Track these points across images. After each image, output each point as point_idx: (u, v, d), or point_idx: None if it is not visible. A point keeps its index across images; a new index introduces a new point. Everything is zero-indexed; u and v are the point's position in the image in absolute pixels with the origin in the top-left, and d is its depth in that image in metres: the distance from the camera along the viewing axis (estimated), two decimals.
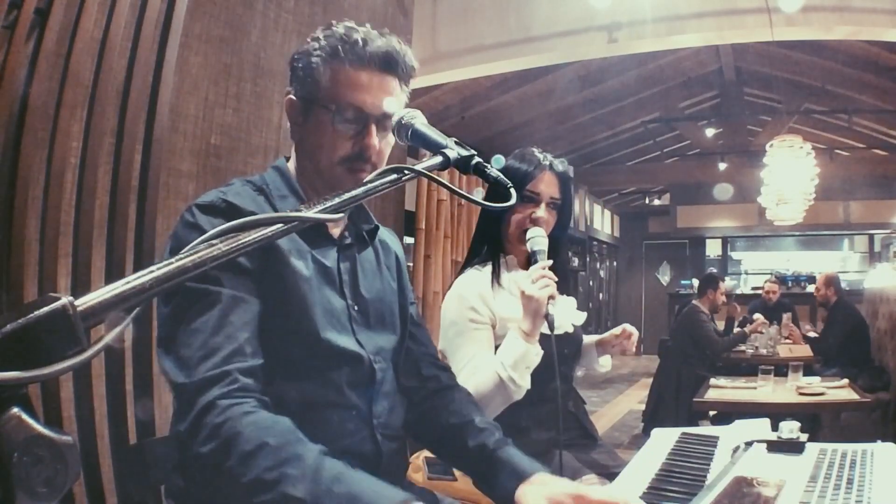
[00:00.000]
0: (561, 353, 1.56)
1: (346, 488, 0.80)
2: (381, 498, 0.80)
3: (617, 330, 1.70)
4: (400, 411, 1.13)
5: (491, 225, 1.65)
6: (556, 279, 1.44)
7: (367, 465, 0.93)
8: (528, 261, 1.67)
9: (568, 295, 1.70)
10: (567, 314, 1.65)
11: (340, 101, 1.03)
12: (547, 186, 1.59)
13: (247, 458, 0.82)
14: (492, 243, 1.65)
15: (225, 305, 0.92)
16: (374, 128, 1.04)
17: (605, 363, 1.76)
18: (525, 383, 1.43)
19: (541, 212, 1.57)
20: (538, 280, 1.42)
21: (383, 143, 1.06)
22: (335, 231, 1.11)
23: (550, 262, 1.48)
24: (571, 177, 1.67)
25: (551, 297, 1.42)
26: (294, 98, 1.08)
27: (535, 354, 1.44)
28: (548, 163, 1.61)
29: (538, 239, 1.50)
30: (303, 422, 0.91)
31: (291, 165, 1.12)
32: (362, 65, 1.04)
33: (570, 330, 1.65)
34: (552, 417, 1.57)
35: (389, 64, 1.05)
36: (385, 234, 1.24)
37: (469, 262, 1.66)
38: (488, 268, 1.60)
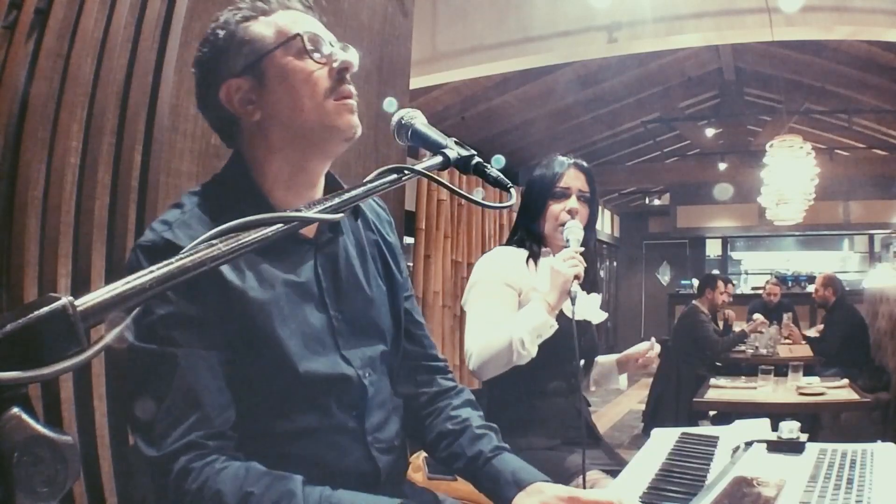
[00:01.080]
0: (574, 345, 1.58)
1: None
2: None
3: (637, 349, 1.80)
4: (395, 420, 1.08)
5: (530, 222, 1.76)
6: (585, 264, 1.56)
7: (365, 482, 0.93)
8: None
9: (594, 292, 1.78)
10: (589, 306, 1.73)
11: (293, 32, 0.95)
12: (574, 180, 1.73)
13: None
14: (530, 236, 1.76)
15: (183, 368, 0.87)
16: (336, 49, 0.98)
17: (623, 382, 1.87)
18: (532, 350, 1.52)
19: (573, 202, 1.70)
20: (568, 259, 1.55)
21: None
22: (310, 230, 1.02)
23: (582, 248, 1.61)
24: (594, 173, 1.79)
25: (577, 277, 1.53)
26: (234, 79, 0.95)
27: (550, 327, 1.54)
28: (572, 161, 1.75)
29: (573, 228, 1.65)
30: (295, 451, 0.92)
31: (251, 165, 1.00)
32: (287, 9, 0.99)
33: (590, 319, 1.75)
34: (564, 415, 1.61)
35: (308, 6, 1.02)
36: (372, 210, 1.14)
37: (509, 241, 1.80)
38: (526, 251, 1.73)
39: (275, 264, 0.96)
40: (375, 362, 1.04)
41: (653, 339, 1.81)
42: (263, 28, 0.96)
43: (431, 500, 1.15)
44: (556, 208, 1.71)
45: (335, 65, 0.96)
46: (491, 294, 1.64)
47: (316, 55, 0.95)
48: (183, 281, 0.56)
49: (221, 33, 0.97)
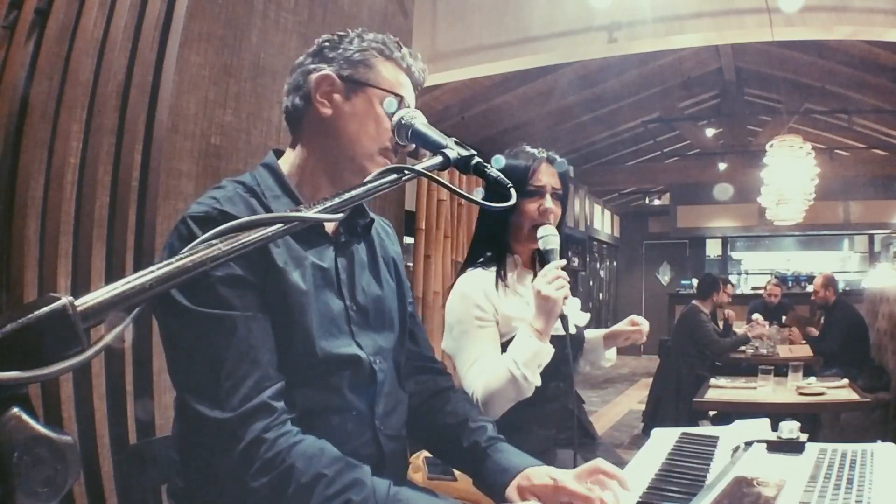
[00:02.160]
0: (565, 354, 1.57)
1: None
2: None
3: (626, 322, 1.71)
4: (402, 410, 1.13)
5: (494, 225, 1.63)
6: (569, 280, 1.46)
7: (371, 467, 0.94)
8: (533, 260, 1.68)
9: (573, 296, 1.70)
10: (572, 314, 1.64)
11: (399, 91, 1.07)
12: (548, 177, 1.60)
13: (305, 490, 0.86)
14: (496, 244, 1.64)
15: (242, 329, 0.91)
16: None
17: (610, 356, 1.77)
18: (536, 380, 1.45)
19: (548, 202, 1.58)
20: (553, 280, 1.44)
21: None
22: (330, 228, 1.09)
23: (564, 262, 1.49)
24: (567, 169, 1.67)
25: (565, 298, 1.44)
26: (334, 76, 1.05)
27: (547, 353, 1.45)
28: (544, 155, 1.62)
29: (550, 238, 1.51)
30: (307, 428, 0.94)
31: (287, 160, 1.09)
32: (408, 74, 1.10)
33: (573, 331, 1.64)
34: (556, 417, 1.59)
35: (420, 86, 1.13)
36: (381, 226, 1.22)
37: (470, 263, 1.65)
38: (492, 268, 1.60)
39: (304, 247, 1.02)
40: (385, 352, 1.09)
41: (634, 315, 1.72)
42: (384, 70, 1.08)
43: None
44: (528, 207, 1.57)
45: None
46: (470, 336, 1.53)
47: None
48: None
49: (357, 42, 1.08)
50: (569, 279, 1.46)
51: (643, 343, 1.72)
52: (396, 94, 1.06)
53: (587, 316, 1.73)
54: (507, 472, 1.04)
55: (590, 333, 1.77)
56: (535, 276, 1.61)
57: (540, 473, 1.02)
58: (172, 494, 1.04)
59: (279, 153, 1.11)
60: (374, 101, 1.05)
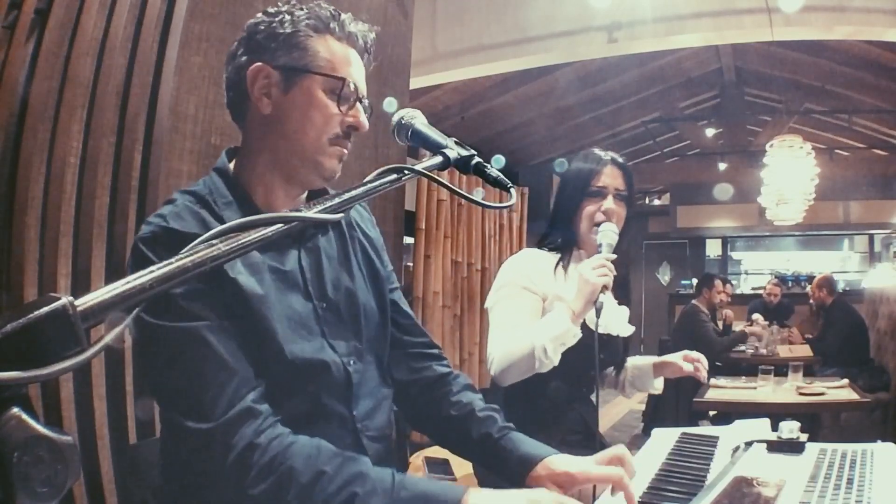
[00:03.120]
0: (593, 355, 1.57)
1: (412, 491, 0.87)
2: (447, 492, 0.87)
3: (679, 356, 1.73)
4: (385, 408, 1.10)
5: (563, 220, 1.68)
6: (615, 273, 1.50)
7: None
8: None
9: (623, 305, 1.73)
10: (615, 319, 1.67)
11: (340, 73, 0.99)
12: (612, 179, 1.64)
13: (308, 490, 0.85)
14: (565, 237, 1.69)
15: (212, 339, 0.89)
16: (360, 105, 1.02)
17: (658, 385, 1.82)
18: (555, 359, 1.48)
19: (609, 203, 1.61)
20: (598, 268, 1.48)
21: None
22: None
23: (615, 256, 1.54)
24: (632, 170, 1.71)
25: (605, 287, 1.47)
26: (267, 66, 0.98)
27: (574, 336, 1.49)
28: (609, 157, 1.67)
29: (608, 232, 1.57)
30: None
31: (240, 160, 1.04)
32: (350, 43, 1.03)
33: (613, 333, 1.67)
34: (571, 421, 1.60)
35: (367, 49, 1.06)
36: (355, 210, 1.16)
37: (539, 245, 1.72)
38: (556, 254, 1.66)
39: (261, 251, 0.97)
40: (361, 352, 1.05)
41: (692, 353, 1.74)
42: (322, 48, 0.99)
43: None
44: (590, 209, 1.62)
45: (350, 119, 1.01)
46: (514, 299, 1.58)
47: (343, 105, 1.00)
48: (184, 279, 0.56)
49: (287, 20, 0.99)
50: (614, 271, 1.50)
51: (703, 378, 1.75)
52: (338, 77, 0.99)
53: (632, 328, 1.73)
54: (526, 463, 1.04)
55: (641, 360, 1.79)
56: None
57: (560, 461, 1.02)
58: (159, 498, 1.03)
59: (234, 152, 1.06)
60: (315, 88, 0.98)
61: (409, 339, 1.18)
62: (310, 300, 1.01)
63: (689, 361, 1.71)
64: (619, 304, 1.69)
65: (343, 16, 1.02)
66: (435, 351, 1.21)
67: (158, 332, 0.88)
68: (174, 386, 0.90)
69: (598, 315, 1.45)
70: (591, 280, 1.46)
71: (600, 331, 1.50)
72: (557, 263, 1.64)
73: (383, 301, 1.13)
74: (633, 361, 1.79)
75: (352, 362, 1.03)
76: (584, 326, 1.52)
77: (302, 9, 1.01)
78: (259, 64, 0.98)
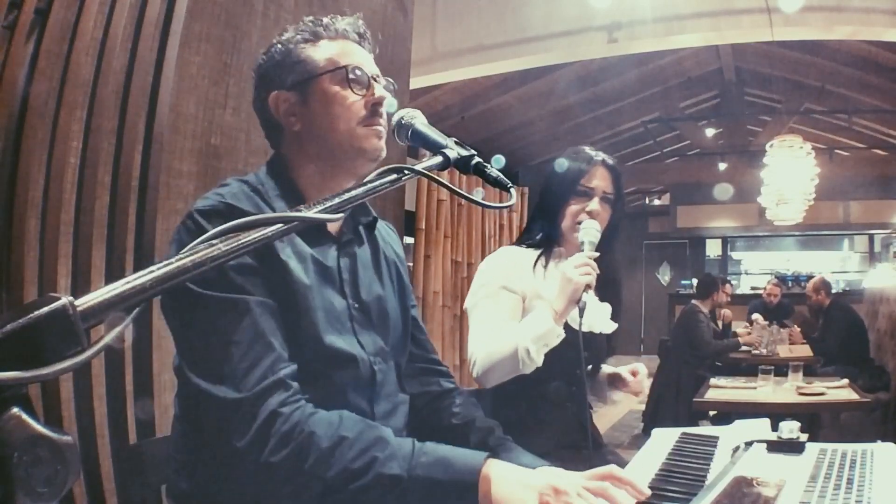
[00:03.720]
0: (578, 354, 1.56)
1: (432, 456, 0.87)
2: (466, 456, 0.88)
3: (626, 369, 1.71)
4: (402, 412, 1.13)
5: (547, 216, 1.66)
6: (598, 272, 1.47)
7: None
8: None
9: (607, 301, 1.69)
10: (598, 317, 1.65)
11: (341, 64, 1.05)
12: (600, 181, 1.61)
13: (328, 455, 0.86)
14: (545, 235, 1.67)
15: (255, 313, 0.91)
16: (376, 84, 1.07)
17: (617, 397, 1.79)
18: (538, 360, 1.46)
19: (594, 205, 1.59)
20: (580, 266, 1.46)
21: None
22: (333, 227, 1.09)
23: (597, 254, 1.51)
24: (622, 173, 1.68)
25: (588, 286, 1.44)
26: (282, 92, 1.06)
27: (557, 336, 1.47)
28: (600, 158, 1.63)
29: (590, 230, 1.54)
30: None
31: (289, 166, 1.09)
32: (343, 37, 1.09)
33: (596, 331, 1.65)
34: (563, 421, 1.59)
35: (363, 36, 1.11)
36: (383, 228, 1.23)
37: (518, 243, 1.70)
38: (535, 251, 1.64)
39: (308, 243, 1.02)
40: (385, 354, 1.09)
41: (638, 366, 1.71)
42: (316, 53, 1.07)
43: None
44: (575, 208, 1.60)
45: (371, 98, 1.06)
46: (493, 298, 1.56)
47: (356, 87, 1.05)
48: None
49: (280, 48, 1.08)
50: (597, 270, 1.47)
51: (640, 393, 1.73)
52: (338, 67, 1.05)
53: (614, 325, 1.71)
54: None
55: (604, 368, 1.76)
56: None
57: (550, 474, 1.01)
58: (172, 495, 1.04)
59: (280, 158, 1.12)
60: (327, 87, 1.05)
61: (422, 353, 1.24)
62: (344, 298, 1.05)
63: (633, 374, 1.69)
64: (601, 301, 1.66)
65: (325, 19, 1.09)
66: (443, 368, 1.27)
67: (205, 301, 0.90)
68: (210, 355, 0.91)
69: (581, 314, 1.43)
70: (574, 279, 1.44)
71: (584, 329, 1.49)
72: (537, 260, 1.62)
73: (406, 314, 1.18)
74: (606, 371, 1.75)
75: (377, 361, 1.06)
76: (567, 326, 1.50)
77: (289, 31, 1.09)
78: (274, 93, 1.06)
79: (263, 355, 0.90)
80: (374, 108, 1.05)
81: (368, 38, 1.12)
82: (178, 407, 1.02)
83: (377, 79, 1.08)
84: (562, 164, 1.64)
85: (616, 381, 1.73)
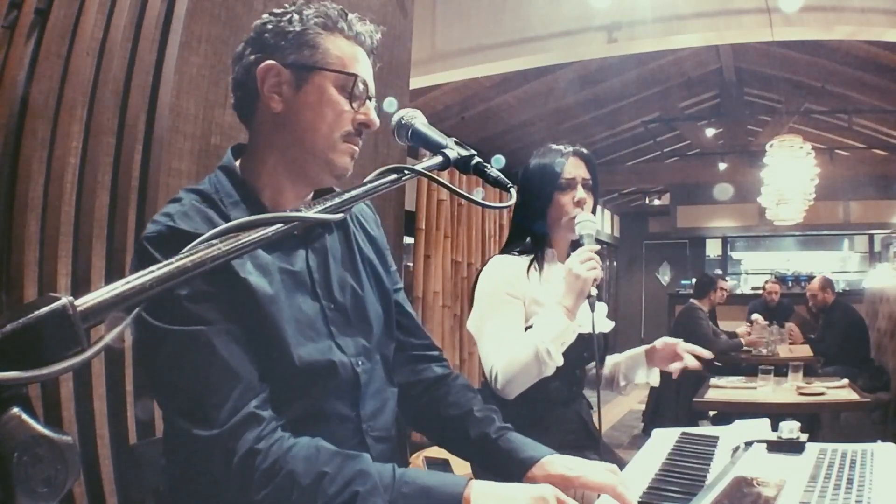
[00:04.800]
0: (580, 356, 1.56)
1: (414, 486, 0.87)
2: (448, 485, 0.87)
3: (675, 340, 1.66)
4: (390, 408, 1.10)
5: (533, 218, 1.65)
6: (602, 265, 1.48)
7: None
8: (568, 253, 1.69)
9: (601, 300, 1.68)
10: (595, 316, 1.63)
11: (351, 69, 1.00)
12: (577, 169, 1.63)
13: (310, 491, 0.85)
14: (534, 235, 1.66)
15: (216, 344, 0.88)
16: (369, 103, 1.03)
17: (654, 378, 1.72)
18: (559, 359, 1.46)
19: (581, 193, 1.61)
20: (586, 261, 1.46)
21: None
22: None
23: (598, 246, 1.52)
24: (595, 160, 1.69)
25: (595, 280, 1.45)
26: (279, 65, 0.97)
27: (572, 332, 1.48)
28: (571, 149, 1.65)
29: (587, 223, 1.55)
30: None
31: (247, 160, 1.04)
32: (358, 42, 1.03)
33: (595, 331, 1.64)
34: (567, 421, 1.59)
35: (373, 49, 1.06)
36: (358, 210, 1.17)
37: (506, 251, 1.68)
38: (526, 256, 1.63)
39: (270, 252, 0.98)
40: (369, 352, 1.06)
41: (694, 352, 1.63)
42: (332, 46, 0.99)
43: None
44: (563, 199, 1.60)
45: (361, 117, 1.02)
46: (502, 308, 1.54)
47: (355, 102, 1.01)
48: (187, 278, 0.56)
49: (296, 19, 0.99)
50: (602, 263, 1.48)
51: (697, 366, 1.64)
52: (349, 73, 0.99)
53: (611, 323, 1.71)
54: (523, 463, 1.04)
55: (630, 351, 1.74)
56: None
57: (556, 463, 1.02)
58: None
59: (239, 150, 1.06)
60: (327, 85, 0.98)
61: (412, 340, 1.20)
62: (317, 301, 1.01)
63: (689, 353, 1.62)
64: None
65: (350, 15, 1.03)
66: (435, 353, 1.22)
67: (161, 334, 0.87)
68: (177, 390, 0.89)
69: (592, 309, 1.44)
70: (583, 275, 1.45)
71: (582, 330, 1.50)
72: (529, 266, 1.60)
73: (387, 301, 1.13)
74: (627, 353, 1.74)
75: (360, 362, 1.03)
76: None
77: (310, 7, 1.01)
78: (269, 62, 0.98)
79: (231, 387, 0.87)
80: (360, 127, 1.02)
81: (377, 53, 1.07)
82: (164, 431, 1.00)
83: (371, 99, 1.04)
84: (536, 163, 1.65)
85: (657, 358, 1.68)
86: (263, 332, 0.93)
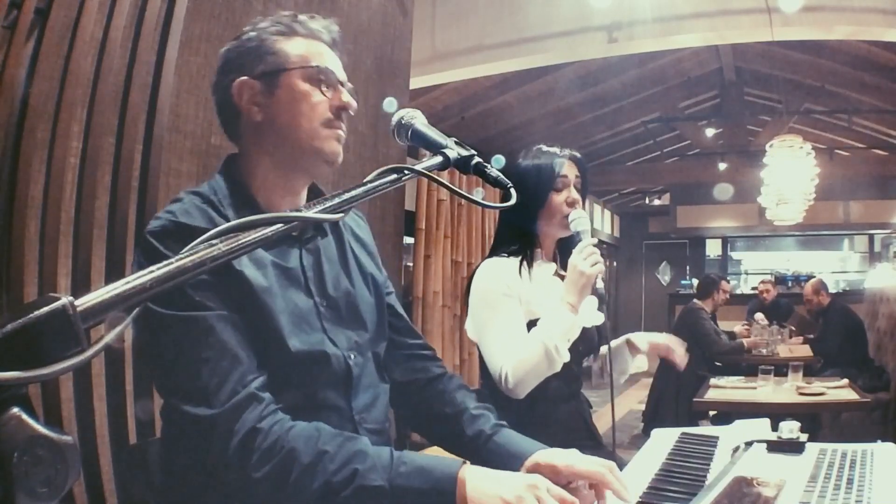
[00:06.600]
0: (575, 349, 1.57)
1: (411, 466, 0.89)
2: (444, 465, 0.89)
3: (660, 340, 1.74)
4: (382, 402, 1.13)
5: (522, 219, 1.66)
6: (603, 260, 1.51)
7: None
8: (555, 254, 1.73)
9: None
10: (585, 310, 1.65)
11: (313, 63, 1.06)
12: (570, 170, 1.66)
13: (310, 469, 0.87)
14: (523, 236, 1.67)
15: (217, 328, 0.92)
16: (342, 89, 1.07)
17: (640, 364, 1.78)
18: (567, 355, 1.48)
19: (574, 193, 1.64)
20: (589, 257, 1.49)
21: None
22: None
23: (595, 240, 1.54)
24: (586, 163, 1.74)
25: (599, 274, 1.48)
26: (248, 79, 1.04)
27: (578, 328, 1.51)
28: (566, 152, 1.69)
29: (582, 220, 1.58)
30: None
31: (242, 165, 1.08)
32: (316, 38, 1.09)
33: (588, 325, 1.67)
34: (565, 420, 1.60)
35: (335, 42, 1.11)
36: (350, 216, 1.21)
37: (493, 254, 1.69)
38: (515, 259, 1.64)
39: (264, 250, 1.01)
40: (361, 347, 1.09)
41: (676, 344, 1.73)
42: (290, 47, 1.06)
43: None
44: (557, 199, 1.62)
45: (336, 102, 1.06)
46: (502, 309, 1.55)
47: (325, 88, 1.06)
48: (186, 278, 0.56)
49: (253, 36, 1.07)
50: (602, 258, 1.51)
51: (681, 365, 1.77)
52: (312, 66, 1.05)
53: (602, 316, 1.71)
54: (515, 459, 1.05)
55: (613, 342, 1.77)
56: (556, 268, 1.68)
57: (545, 455, 1.03)
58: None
59: (232, 159, 1.10)
60: (296, 81, 1.04)
61: (406, 340, 1.22)
62: (311, 297, 1.04)
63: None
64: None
65: (301, 16, 1.09)
66: (430, 353, 1.25)
67: (166, 321, 0.90)
68: (179, 374, 0.91)
69: (602, 302, 1.47)
70: (587, 271, 1.48)
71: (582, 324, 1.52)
72: (519, 267, 1.62)
73: (380, 301, 1.16)
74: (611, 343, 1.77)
75: (352, 356, 1.06)
76: None
77: (265, 21, 1.08)
78: (241, 78, 1.04)
79: (231, 369, 0.91)
80: (338, 111, 1.06)
81: (340, 44, 1.12)
82: (162, 422, 1.02)
83: (344, 84, 1.08)
84: (530, 164, 1.67)
85: (632, 348, 1.76)
86: (259, 321, 0.96)
